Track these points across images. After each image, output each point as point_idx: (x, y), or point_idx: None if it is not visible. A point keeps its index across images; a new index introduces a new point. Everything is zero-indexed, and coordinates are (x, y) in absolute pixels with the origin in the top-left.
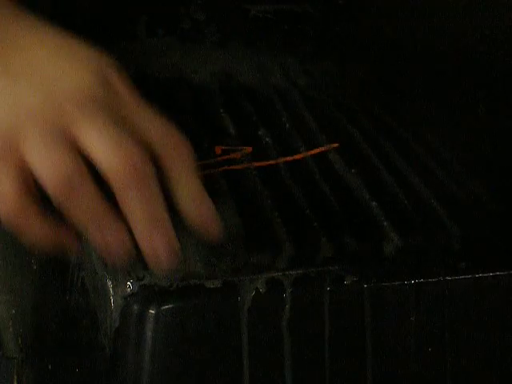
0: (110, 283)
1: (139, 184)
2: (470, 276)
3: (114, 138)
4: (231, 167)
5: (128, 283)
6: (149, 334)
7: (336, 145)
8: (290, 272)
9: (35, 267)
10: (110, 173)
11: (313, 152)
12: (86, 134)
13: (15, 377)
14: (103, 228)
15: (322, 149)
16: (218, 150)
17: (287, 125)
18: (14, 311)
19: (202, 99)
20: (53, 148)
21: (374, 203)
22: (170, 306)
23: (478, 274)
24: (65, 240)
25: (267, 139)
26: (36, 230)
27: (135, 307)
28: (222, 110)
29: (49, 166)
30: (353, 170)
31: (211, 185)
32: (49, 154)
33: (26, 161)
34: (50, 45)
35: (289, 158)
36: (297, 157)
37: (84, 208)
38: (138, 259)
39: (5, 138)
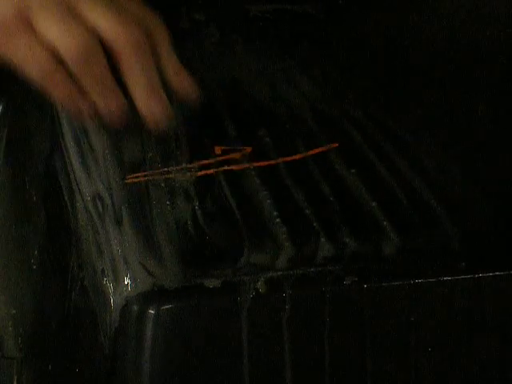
0: (109, 283)
1: (142, 55)
2: (469, 276)
3: (115, 14)
4: (231, 167)
5: (128, 283)
6: (149, 334)
7: (336, 145)
8: (290, 272)
9: (35, 267)
10: (115, 43)
11: (313, 152)
12: (91, 11)
13: (15, 377)
14: (109, 92)
15: (322, 149)
16: (218, 150)
17: (287, 125)
18: (14, 311)
19: (201, 99)
20: (66, 22)
21: (373, 203)
22: (170, 305)
23: (477, 274)
24: (81, 103)
25: (267, 139)
26: (61, 87)
27: (135, 307)
28: (221, 110)
29: (67, 39)
30: (353, 170)
31: (212, 185)
32: (64, 27)
33: (42, 33)
34: None
35: (289, 158)
36: (297, 157)
37: (96, 74)
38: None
39: (17, 13)
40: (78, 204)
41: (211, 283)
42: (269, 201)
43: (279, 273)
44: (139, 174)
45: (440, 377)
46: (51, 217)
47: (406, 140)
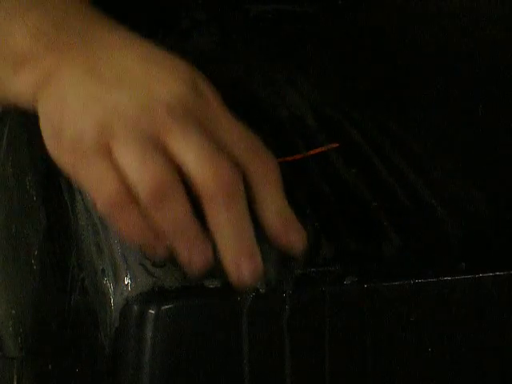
0: (109, 283)
1: (230, 200)
2: (469, 276)
3: (207, 150)
4: None
5: (128, 283)
6: (149, 334)
7: (336, 145)
8: (290, 272)
9: (35, 267)
10: (202, 186)
11: (313, 152)
12: (179, 144)
13: (15, 377)
14: (189, 241)
15: (322, 149)
16: None
17: (287, 125)
18: (13, 311)
19: None
20: (147, 153)
21: (374, 203)
22: (170, 305)
23: (477, 274)
24: (153, 242)
25: (267, 139)
26: (130, 225)
27: (135, 307)
28: None
29: (144, 171)
30: (353, 170)
31: None
32: (143, 158)
33: (119, 162)
34: (137, 49)
35: (289, 158)
36: (297, 157)
37: (173, 218)
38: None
39: (97, 136)
40: (78, 204)
41: (211, 283)
42: None
43: (279, 273)
44: None
45: (440, 377)
46: (51, 217)
47: (406, 140)
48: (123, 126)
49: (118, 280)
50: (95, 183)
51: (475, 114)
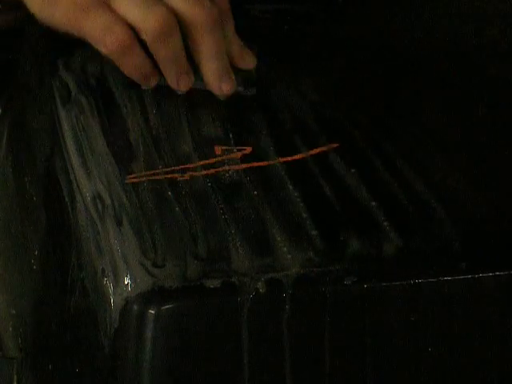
0: (109, 283)
1: (217, 35)
2: (469, 276)
3: None
4: (231, 167)
5: (128, 283)
6: (149, 334)
7: (336, 145)
8: (290, 272)
9: (35, 267)
10: (196, 24)
11: (313, 152)
12: None
13: (15, 377)
14: (182, 69)
15: (322, 149)
16: (218, 150)
17: (287, 125)
18: (13, 311)
19: (201, 98)
20: (146, 1)
21: (374, 203)
22: (170, 305)
23: (477, 274)
24: (150, 72)
25: (267, 139)
26: (134, 63)
27: (135, 307)
28: (221, 110)
29: (149, 18)
30: (353, 170)
31: (212, 185)
32: (147, 8)
33: (123, 14)
34: None
35: (289, 158)
36: (297, 157)
37: (173, 51)
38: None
39: None
40: (78, 204)
41: (211, 283)
42: (268, 201)
43: (279, 273)
44: (139, 174)
45: (440, 377)
46: (51, 217)
47: (407, 140)
48: None
49: (117, 280)
50: (101, 31)
51: (476, 113)
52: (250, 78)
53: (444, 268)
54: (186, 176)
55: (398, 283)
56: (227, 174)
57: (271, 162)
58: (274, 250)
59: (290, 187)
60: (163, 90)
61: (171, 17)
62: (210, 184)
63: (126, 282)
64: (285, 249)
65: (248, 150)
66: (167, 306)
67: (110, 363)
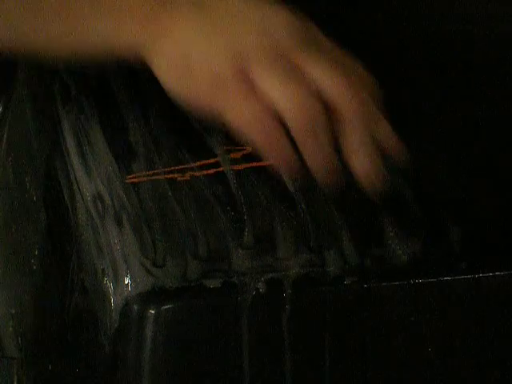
0: (109, 283)
1: (367, 118)
2: (470, 276)
3: (343, 74)
4: (231, 167)
5: (128, 283)
6: (149, 334)
7: None
8: (290, 272)
9: (35, 267)
10: (345, 107)
11: None
12: (315, 67)
13: (15, 377)
14: (329, 159)
15: None
16: (218, 150)
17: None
18: (13, 311)
19: None
20: (292, 81)
21: (374, 203)
22: (170, 306)
23: (478, 274)
24: (293, 163)
25: None
26: (277, 149)
27: (135, 307)
28: None
29: (294, 100)
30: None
31: (212, 185)
32: (290, 87)
33: (265, 92)
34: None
35: None
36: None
37: (319, 141)
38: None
39: (234, 66)
40: (78, 204)
41: (211, 283)
42: (268, 201)
43: (279, 273)
44: (139, 174)
45: (440, 377)
46: (51, 217)
47: (407, 140)
48: (256, 55)
49: (118, 280)
50: (241, 111)
51: (476, 114)
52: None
53: (444, 268)
54: (186, 176)
55: (398, 283)
56: (227, 174)
57: (272, 162)
58: (274, 250)
59: (291, 187)
60: (163, 90)
61: (317, 102)
62: (209, 184)
63: (126, 282)
64: (285, 249)
65: (248, 150)
66: (167, 306)
67: (109, 363)
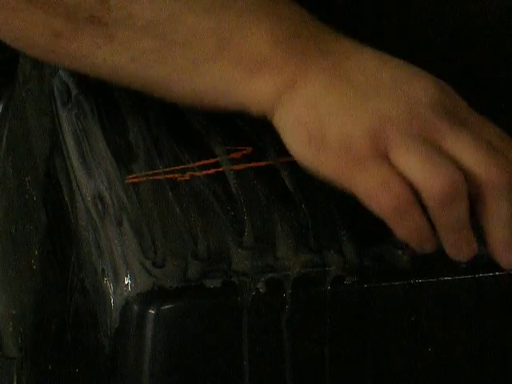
0: (109, 283)
1: (508, 202)
2: (470, 276)
3: (487, 150)
4: (231, 167)
5: (128, 283)
6: (149, 333)
7: None
8: (290, 272)
9: (35, 267)
10: (488, 187)
11: None
12: (457, 143)
13: (15, 377)
14: (464, 239)
15: None
16: (218, 150)
17: None
18: (14, 311)
19: None
20: (431, 156)
21: None
22: (170, 305)
23: (477, 274)
24: (428, 238)
25: (267, 139)
26: (412, 227)
27: (135, 307)
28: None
29: (432, 175)
30: None
31: (212, 185)
32: (429, 161)
33: (401, 166)
34: (373, 55)
35: (289, 159)
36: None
37: (456, 218)
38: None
39: (372, 142)
40: (78, 204)
41: (211, 283)
42: (268, 201)
43: (279, 273)
44: (139, 174)
45: (440, 377)
46: (51, 217)
47: None
48: (397, 131)
49: (117, 280)
50: (376, 188)
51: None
52: None
53: (444, 268)
54: (186, 176)
55: (398, 283)
56: (227, 174)
57: (271, 162)
58: (274, 250)
59: (291, 187)
60: None
61: (460, 179)
62: (209, 184)
63: (126, 282)
64: (285, 249)
65: (248, 150)
66: (167, 306)
67: (110, 363)
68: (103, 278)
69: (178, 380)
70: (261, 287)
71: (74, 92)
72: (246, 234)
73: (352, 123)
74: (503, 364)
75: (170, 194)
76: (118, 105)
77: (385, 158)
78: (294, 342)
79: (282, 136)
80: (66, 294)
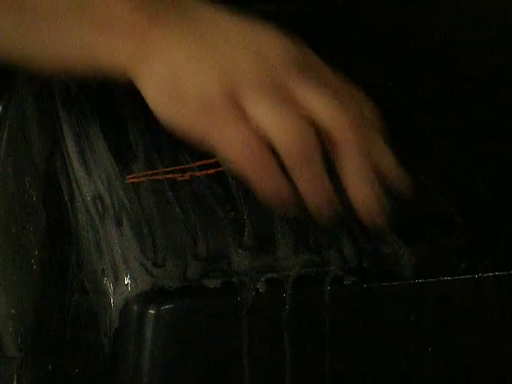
0: (109, 283)
1: (363, 145)
2: (469, 276)
3: (336, 99)
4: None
5: (128, 283)
6: (149, 334)
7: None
8: (290, 272)
9: (35, 267)
10: (339, 134)
11: None
12: (306, 93)
13: (15, 377)
14: (322, 190)
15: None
16: None
17: None
18: (13, 311)
19: None
20: (283, 108)
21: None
22: (170, 305)
23: (477, 274)
24: (290, 198)
25: None
26: (267, 180)
27: (135, 307)
28: None
29: (285, 129)
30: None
31: (212, 185)
32: (282, 114)
33: (256, 119)
34: (232, 18)
35: None
36: None
37: (312, 171)
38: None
39: (225, 94)
40: (78, 204)
41: (211, 283)
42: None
43: (279, 273)
44: (139, 174)
45: (440, 377)
46: (51, 217)
47: (406, 140)
48: (248, 81)
49: (117, 280)
50: (231, 139)
51: (476, 112)
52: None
53: (444, 268)
54: (186, 176)
55: (398, 283)
56: (227, 174)
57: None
58: (274, 250)
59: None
60: None
61: (309, 130)
62: (209, 184)
63: (126, 282)
64: (285, 249)
65: None
66: (167, 306)
67: (109, 363)
68: (103, 278)
69: (177, 380)
70: (261, 287)
71: (73, 92)
72: (245, 234)
73: (206, 80)
74: (503, 364)
75: (170, 193)
76: (117, 105)
77: (241, 113)
78: (294, 342)
79: (144, 97)
80: (65, 294)
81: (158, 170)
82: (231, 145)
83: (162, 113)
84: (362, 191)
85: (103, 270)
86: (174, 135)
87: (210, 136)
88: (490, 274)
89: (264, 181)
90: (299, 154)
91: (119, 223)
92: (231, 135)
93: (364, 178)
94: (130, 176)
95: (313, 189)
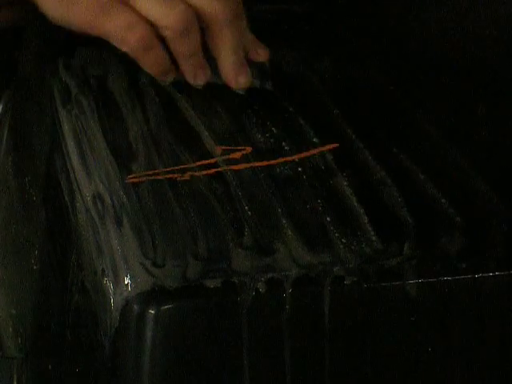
0: (109, 283)
1: (236, 30)
2: (469, 276)
3: None
4: (231, 167)
5: (128, 283)
6: (149, 334)
7: (336, 145)
8: (290, 272)
9: (35, 267)
10: (216, 19)
11: (313, 152)
12: None
13: (15, 377)
14: (200, 64)
15: (322, 149)
16: (218, 149)
17: (287, 125)
18: (14, 311)
19: (200, 99)
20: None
21: (374, 203)
22: (170, 305)
23: (477, 274)
24: (169, 68)
25: (267, 139)
26: (156, 63)
27: (135, 307)
28: (221, 111)
29: (170, 15)
30: (352, 170)
31: (212, 185)
32: (167, 6)
33: (144, 13)
34: None
35: (289, 158)
36: (297, 157)
37: (191, 47)
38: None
39: None
40: (78, 204)
41: (211, 283)
42: (268, 201)
43: (279, 273)
44: (139, 174)
45: (440, 377)
46: (51, 217)
47: (406, 140)
48: None
49: (117, 280)
50: (123, 30)
51: (476, 112)
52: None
53: (444, 268)
54: (186, 176)
55: (398, 283)
56: (227, 174)
57: (271, 162)
58: (274, 250)
59: (290, 187)
60: (163, 90)
61: (191, 13)
62: (209, 184)
63: (126, 282)
64: (285, 249)
65: (248, 149)
66: (167, 306)
67: (109, 363)
68: (103, 278)
69: (177, 380)
70: (261, 287)
71: (73, 92)
72: (245, 234)
73: None
74: (503, 364)
75: (170, 193)
76: (117, 105)
77: (127, 3)
78: (294, 342)
79: (36, 4)
80: (66, 294)
81: (158, 170)
82: (123, 36)
83: (54, 14)
84: (234, 73)
85: (103, 270)
86: (174, 133)
87: (101, 26)
88: (490, 274)
89: (151, 60)
90: (180, 31)
91: (119, 223)
92: (120, 21)
93: (232, 49)
94: (130, 176)
95: (189, 57)
